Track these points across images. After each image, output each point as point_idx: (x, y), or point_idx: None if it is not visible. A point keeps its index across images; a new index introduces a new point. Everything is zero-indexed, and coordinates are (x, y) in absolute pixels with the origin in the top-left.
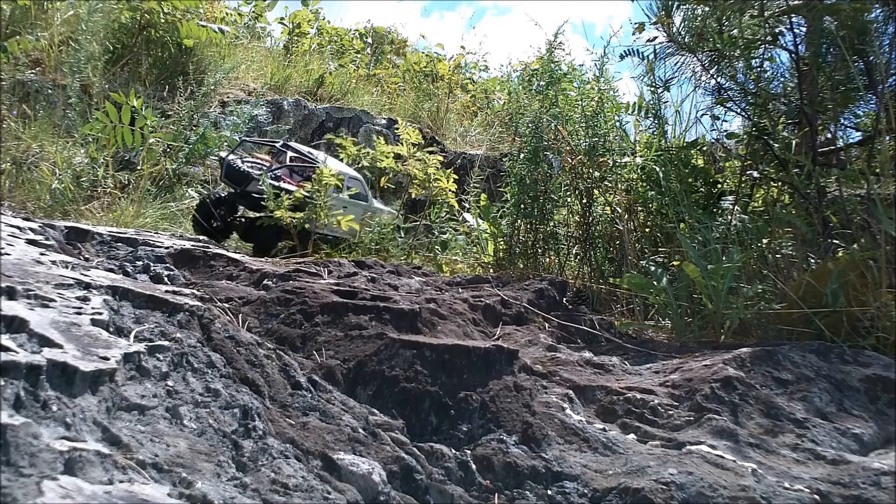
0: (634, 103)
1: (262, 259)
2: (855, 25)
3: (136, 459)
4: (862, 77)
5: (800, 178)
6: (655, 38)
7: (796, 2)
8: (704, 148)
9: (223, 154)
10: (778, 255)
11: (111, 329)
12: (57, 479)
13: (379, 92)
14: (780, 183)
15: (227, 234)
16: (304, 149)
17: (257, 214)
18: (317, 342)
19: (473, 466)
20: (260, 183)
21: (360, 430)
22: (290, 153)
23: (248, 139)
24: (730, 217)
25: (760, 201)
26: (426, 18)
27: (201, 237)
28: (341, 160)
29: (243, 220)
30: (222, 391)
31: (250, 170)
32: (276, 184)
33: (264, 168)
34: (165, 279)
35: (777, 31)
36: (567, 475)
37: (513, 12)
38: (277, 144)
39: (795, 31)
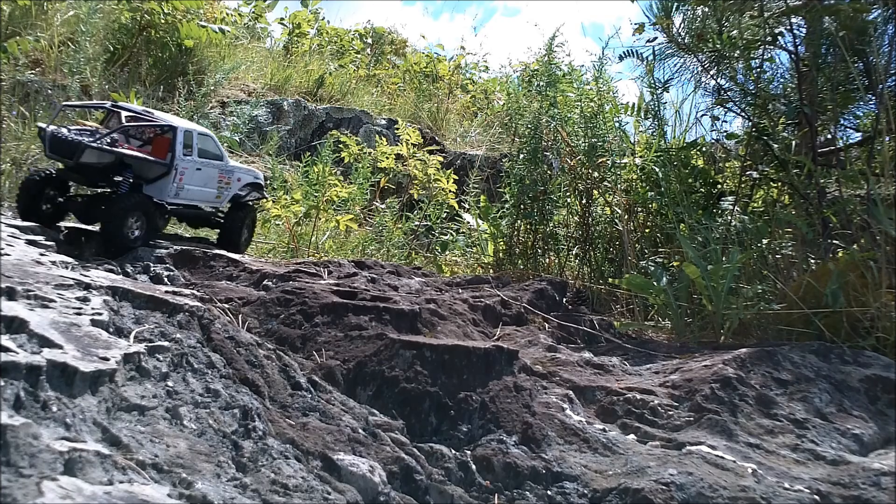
0: (634, 104)
1: (262, 259)
2: (854, 26)
3: (136, 460)
4: (861, 78)
5: (800, 178)
6: (655, 38)
7: (796, 2)
8: (704, 148)
9: (42, 125)
10: (778, 256)
11: (111, 329)
12: (57, 479)
13: (379, 92)
14: (779, 183)
15: (60, 217)
16: (138, 108)
17: (99, 190)
18: (317, 342)
19: (473, 467)
20: (95, 151)
21: (360, 431)
22: (123, 113)
23: (68, 104)
24: (730, 217)
25: (760, 202)
26: (436, 20)
27: (28, 223)
28: (343, 159)
29: (81, 198)
30: (222, 392)
31: (80, 137)
32: (116, 150)
33: (96, 134)
34: (165, 279)
35: (777, 31)
36: (567, 475)
37: (522, 13)
38: (107, 105)
39: (795, 31)
